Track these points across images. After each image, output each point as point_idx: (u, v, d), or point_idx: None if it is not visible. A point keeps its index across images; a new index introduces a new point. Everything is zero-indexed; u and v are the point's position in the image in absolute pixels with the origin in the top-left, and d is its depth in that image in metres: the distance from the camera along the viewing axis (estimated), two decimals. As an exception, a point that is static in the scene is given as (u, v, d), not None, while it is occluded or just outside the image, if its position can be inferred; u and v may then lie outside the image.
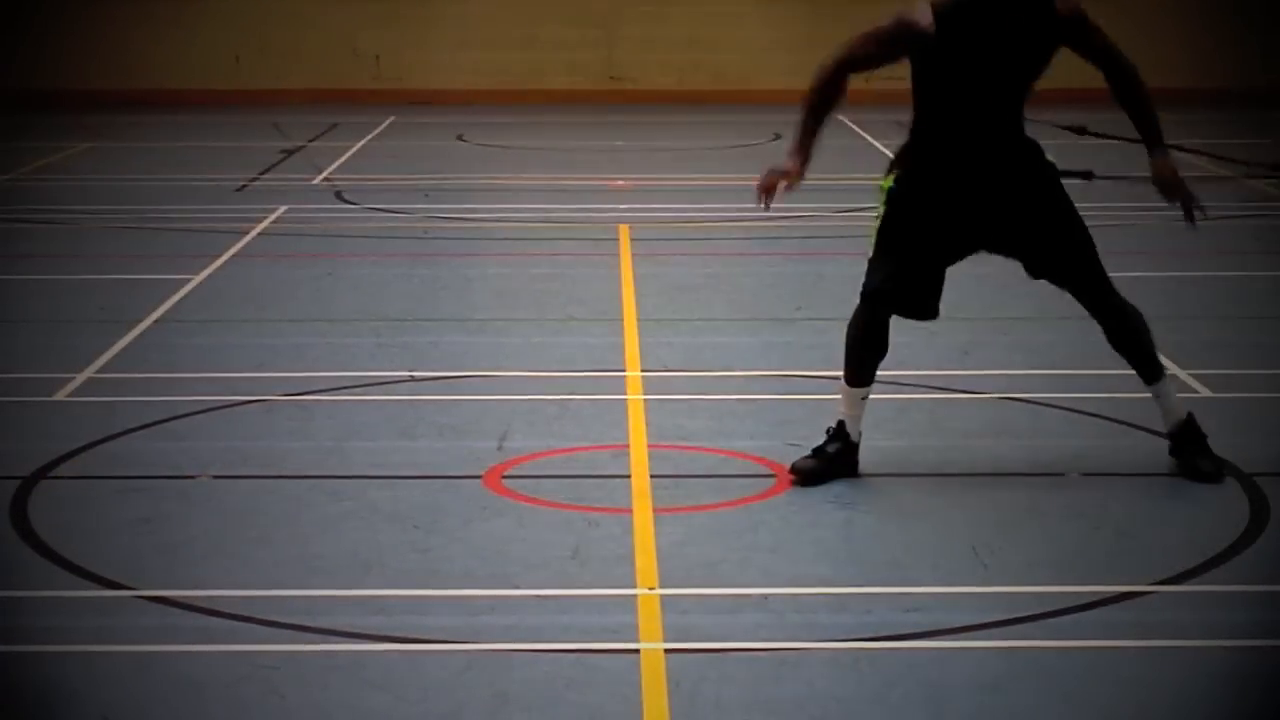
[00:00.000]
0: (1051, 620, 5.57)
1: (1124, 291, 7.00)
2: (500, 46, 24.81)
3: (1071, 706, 4.97)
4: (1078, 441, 7.54)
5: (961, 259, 6.91)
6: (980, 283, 9.45)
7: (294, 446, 7.51)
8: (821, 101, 6.77)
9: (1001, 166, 6.74)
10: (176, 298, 10.67)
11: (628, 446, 7.49)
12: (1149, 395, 7.01)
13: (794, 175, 6.68)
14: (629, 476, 7.06)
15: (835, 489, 6.85)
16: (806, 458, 6.95)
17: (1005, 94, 6.70)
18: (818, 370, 8.56)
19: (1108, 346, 7.26)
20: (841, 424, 6.95)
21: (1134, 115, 6.86)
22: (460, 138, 20.38)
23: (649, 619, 5.57)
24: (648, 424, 7.82)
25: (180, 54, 24.68)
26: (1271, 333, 9.74)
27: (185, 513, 6.67)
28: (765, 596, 5.78)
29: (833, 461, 6.93)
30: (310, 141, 19.61)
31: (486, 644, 5.40)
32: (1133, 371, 6.99)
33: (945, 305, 6.97)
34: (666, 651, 5.29)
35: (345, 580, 5.95)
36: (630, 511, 6.63)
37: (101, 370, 8.82)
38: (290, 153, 18.50)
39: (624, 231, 13.03)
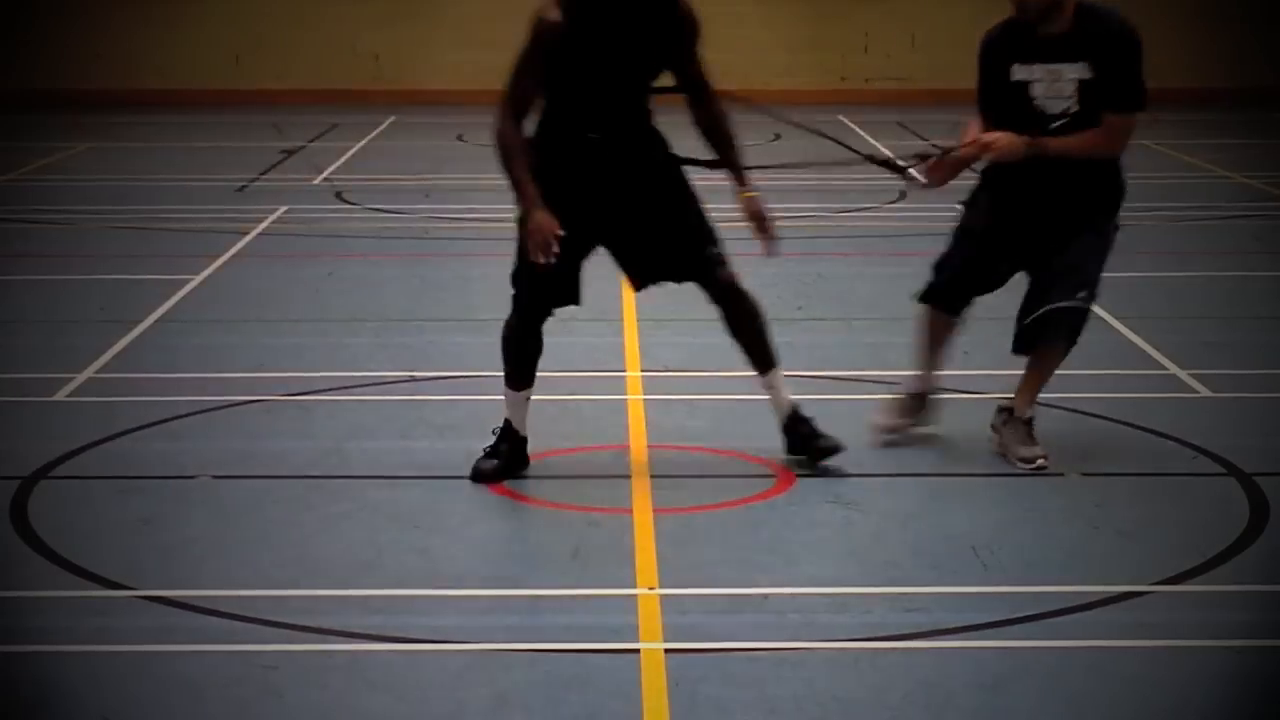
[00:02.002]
0: (1051, 620, 5.57)
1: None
2: (500, 46, 24.59)
3: (1071, 706, 4.97)
4: (1078, 441, 7.54)
5: (588, 253, 6.98)
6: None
7: (294, 446, 7.51)
8: (512, 151, 6.77)
9: (620, 156, 6.87)
10: (176, 298, 10.67)
11: (628, 446, 7.49)
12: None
13: (553, 222, 6.68)
14: (629, 476, 7.06)
15: (835, 489, 6.85)
16: (484, 459, 7.02)
17: (629, 85, 6.85)
18: (818, 370, 8.56)
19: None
20: (508, 422, 7.05)
21: (719, 148, 6.99)
22: (460, 138, 20.38)
23: (649, 619, 5.57)
24: (648, 424, 7.82)
25: (180, 54, 24.68)
26: (1271, 333, 9.73)
27: (185, 513, 6.67)
28: (765, 596, 5.78)
29: (509, 460, 7.02)
30: (310, 141, 19.61)
31: (486, 644, 5.40)
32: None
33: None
34: (666, 651, 5.29)
35: (345, 580, 5.94)
36: (630, 511, 6.63)
37: (101, 370, 8.82)
38: (290, 153, 18.50)
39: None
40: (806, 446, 7.03)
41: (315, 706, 4.97)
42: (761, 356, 7.07)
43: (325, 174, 16.83)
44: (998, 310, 7.55)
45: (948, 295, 7.35)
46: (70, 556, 6.13)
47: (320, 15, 24.87)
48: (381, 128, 21.30)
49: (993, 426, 7.30)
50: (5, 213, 14.35)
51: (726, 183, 7.02)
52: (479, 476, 6.98)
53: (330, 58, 24.89)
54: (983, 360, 8.39)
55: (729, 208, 7.09)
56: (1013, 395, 7.22)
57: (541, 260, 6.68)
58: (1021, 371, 7.23)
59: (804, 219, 13.71)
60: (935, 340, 7.45)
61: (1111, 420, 7.79)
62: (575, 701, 4.98)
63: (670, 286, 7.02)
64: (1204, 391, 8.33)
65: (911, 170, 7.42)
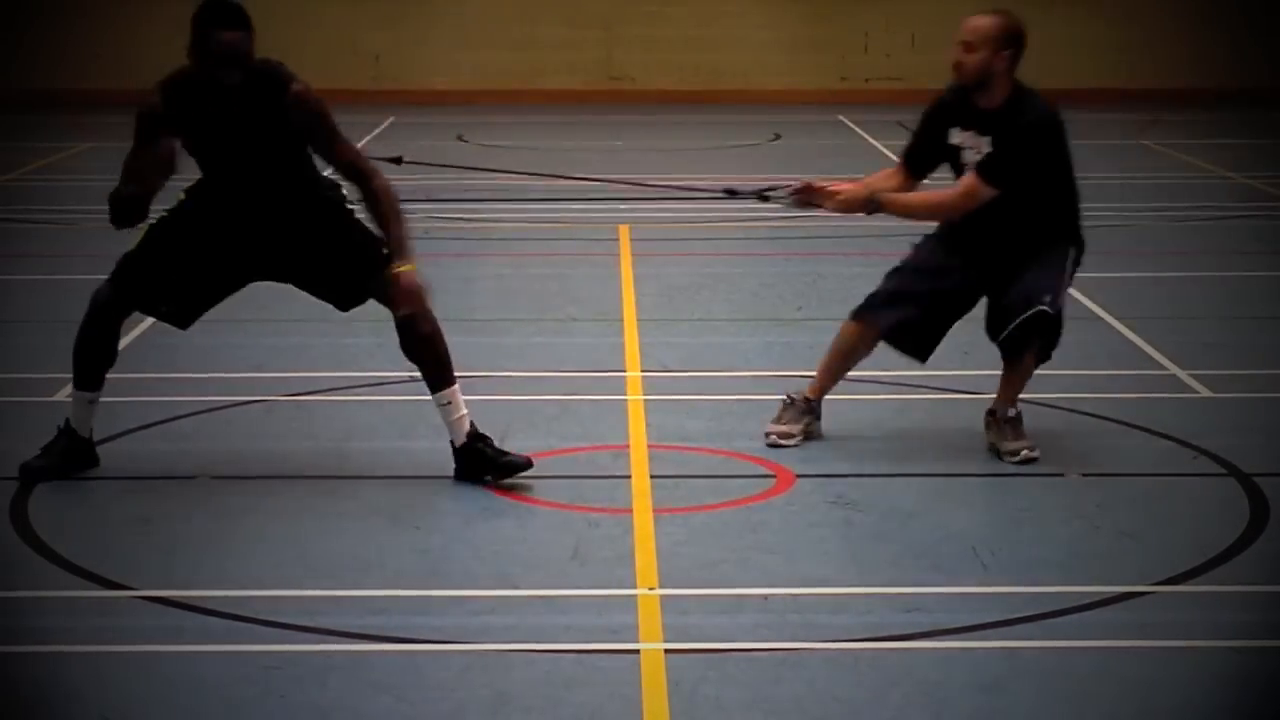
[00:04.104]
0: (1051, 620, 5.57)
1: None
2: (500, 46, 24.81)
3: (1071, 706, 4.97)
4: (1078, 441, 7.54)
5: (237, 285, 7.15)
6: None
7: (294, 446, 7.51)
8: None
9: (261, 217, 6.98)
10: (176, 298, 10.65)
11: (628, 446, 7.49)
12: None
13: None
14: (629, 476, 7.06)
15: (835, 489, 6.86)
16: (36, 458, 7.04)
17: (247, 170, 6.93)
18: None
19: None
20: (68, 421, 7.07)
21: (381, 227, 6.95)
22: (460, 138, 20.38)
23: (649, 619, 5.57)
24: (648, 424, 7.82)
25: (181, 54, 24.63)
26: (1271, 333, 9.73)
27: (185, 513, 6.66)
28: (765, 596, 5.78)
29: (64, 458, 7.03)
30: (310, 141, 19.59)
31: (486, 644, 5.40)
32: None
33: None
34: (666, 651, 5.29)
35: (345, 580, 5.94)
36: (630, 511, 6.63)
37: (101, 370, 8.80)
38: (290, 153, 18.47)
39: (624, 231, 13.03)
40: (482, 471, 6.93)
41: (315, 707, 4.97)
42: (432, 375, 7.00)
43: (325, 174, 16.82)
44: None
45: (884, 317, 7.40)
46: (70, 556, 6.13)
47: (320, 15, 24.87)
48: (381, 128, 21.30)
49: (985, 427, 7.36)
50: (5, 213, 14.35)
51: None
52: (24, 473, 6.98)
53: (330, 58, 24.88)
54: (983, 360, 8.38)
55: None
56: (1033, 400, 7.30)
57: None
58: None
59: (804, 219, 13.70)
60: (847, 353, 7.50)
61: (1111, 420, 7.79)
62: (575, 701, 4.98)
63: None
64: (1204, 391, 8.33)
65: (771, 193, 7.65)
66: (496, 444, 6.95)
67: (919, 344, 7.49)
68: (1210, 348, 9.23)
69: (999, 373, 7.39)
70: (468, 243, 13.01)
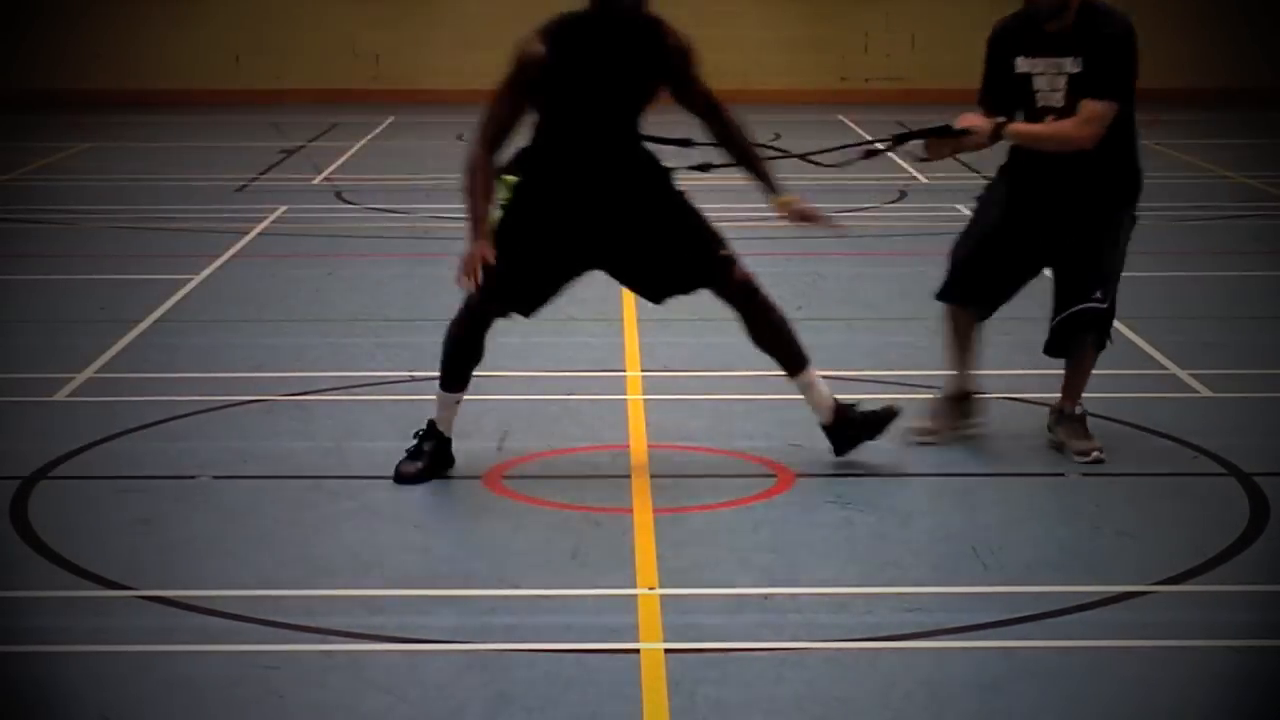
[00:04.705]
0: (1051, 620, 5.57)
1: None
2: (500, 46, 24.57)
3: (1071, 706, 4.97)
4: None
5: (575, 275, 6.99)
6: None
7: (294, 446, 7.51)
8: (480, 186, 6.82)
9: (612, 182, 6.87)
10: (176, 298, 10.68)
11: (628, 446, 7.49)
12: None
13: (489, 253, 6.73)
14: (629, 476, 7.06)
15: (835, 489, 6.86)
16: (407, 461, 6.99)
17: (616, 113, 6.85)
18: (818, 370, 8.54)
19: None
20: (433, 423, 7.02)
21: (743, 163, 6.97)
22: (460, 138, 20.36)
23: (649, 619, 5.56)
24: (648, 424, 7.82)
25: (180, 54, 24.68)
26: (1271, 333, 9.73)
27: (185, 513, 6.67)
28: (765, 596, 5.78)
29: (433, 460, 6.98)
30: (310, 141, 19.62)
31: (486, 644, 5.40)
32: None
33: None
34: (666, 651, 5.29)
35: (345, 580, 5.94)
36: (630, 511, 6.63)
37: (101, 370, 8.82)
38: (290, 153, 18.50)
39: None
40: (857, 437, 7.01)
41: (315, 707, 4.97)
42: (789, 357, 7.04)
43: (325, 174, 16.84)
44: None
45: (963, 290, 7.38)
46: (70, 556, 6.13)
47: (320, 15, 24.87)
48: (381, 128, 21.30)
49: (1048, 427, 7.36)
50: (5, 213, 14.36)
51: (745, 185, 7.02)
52: (400, 478, 6.96)
53: (330, 58, 24.90)
54: (983, 360, 8.38)
55: (739, 208, 7.08)
56: (1059, 395, 7.30)
57: (464, 285, 6.72)
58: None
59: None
60: (960, 338, 7.48)
61: (1111, 420, 7.79)
62: (575, 701, 4.98)
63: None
64: (1204, 391, 8.33)
65: (907, 147, 7.48)
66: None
67: (986, 306, 7.45)
68: (1210, 347, 9.23)
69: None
70: (468, 243, 13.01)
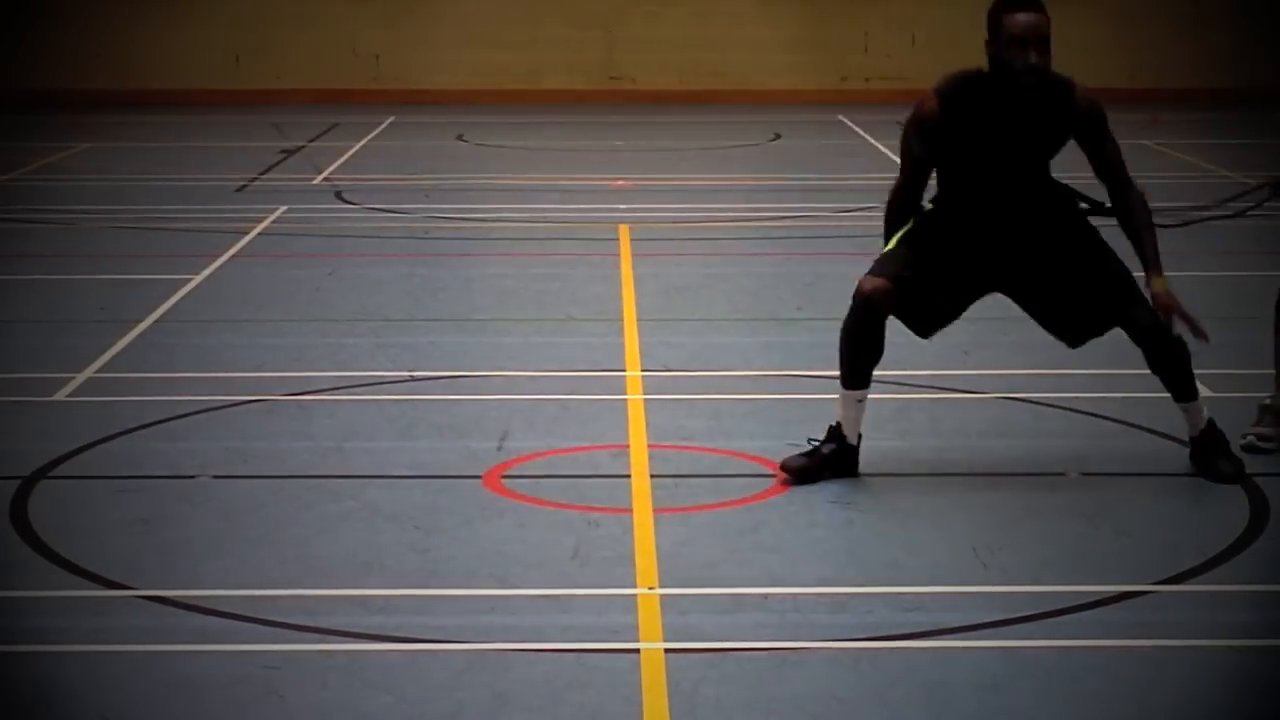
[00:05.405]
0: (1051, 620, 5.57)
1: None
2: (500, 46, 24.81)
3: (1071, 706, 4.97)
4: (1078, 441, 7.54)
5: (979, 295, 6.97)
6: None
7: (294, 446, 7.51)
8: (888, 217, 7.01)
9: (1022, 214, 6.84)
10: (176, 298, 10.67)
11: (628, 446, 7.49)
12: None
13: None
14: (629, 476, 7.06)
15: (835, 489, 6.85)
16: (798, 455, 6.94)
17: (1015, 168, 6.82)
18: (818, 370, 8.54)
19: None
20: (838, 425, 6.95)
21: (1133, 238, 6.93)
22: (460, 138, 20.38)
23: (649, 619, 5.56)
24: (648, 424, 7.82)
25: (180, 54, 24.67)
26: (1271, 333, 9.70)
27: (184, 513, 6.66)
28: (765, 596, 5.78)
29: (825, 461, 6.92)
30: (310, 141, 19.61)
31: (486, 644, 5.40)
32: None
33: (945, 305, 6.96)
34: (666, 651, 5.29)
35: (345, 580, 5.94)
36: (630, 511, 6.63)
37: (101, 370, 8.82)
38: (290, 153, 18.49)
39: (624, 231, 13.03)
40: (1206, 468, 7.02)
41: (315, 706, 4.97)
42: (1180, 389, 7.05)
43: (325, 174, 16.83)
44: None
45: None
46: (70, 556, 6.13)
47: (320, 15, 24.87)
48: (381, 128, 21.30)
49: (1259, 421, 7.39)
50: (5, 213, 14.35)
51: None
52: (786, 470, 6.90)
53: (330, 58, 24.89)
54: (983, 360, 8.40)
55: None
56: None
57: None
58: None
59: (804, 219, 13.72)
60: None
61: (1111, 420, 7.79)
62: (575, 701, 4.98)
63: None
64: (1204, 391, 8.31)
65: None
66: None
67: None
68: (1210, 347, 9.22)
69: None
70: (468, 243, 13.01)
